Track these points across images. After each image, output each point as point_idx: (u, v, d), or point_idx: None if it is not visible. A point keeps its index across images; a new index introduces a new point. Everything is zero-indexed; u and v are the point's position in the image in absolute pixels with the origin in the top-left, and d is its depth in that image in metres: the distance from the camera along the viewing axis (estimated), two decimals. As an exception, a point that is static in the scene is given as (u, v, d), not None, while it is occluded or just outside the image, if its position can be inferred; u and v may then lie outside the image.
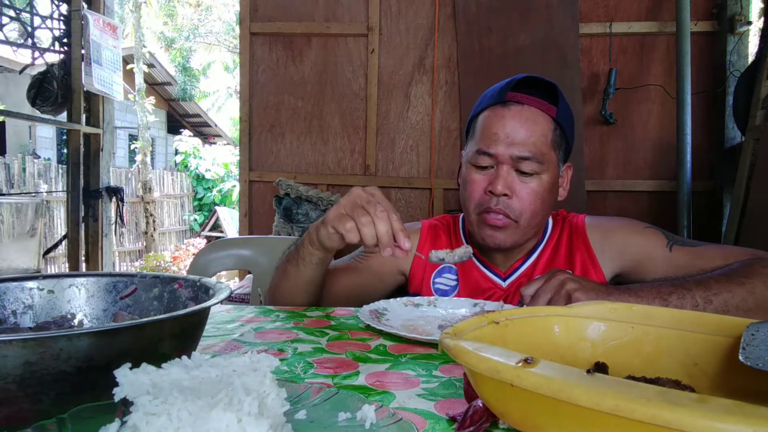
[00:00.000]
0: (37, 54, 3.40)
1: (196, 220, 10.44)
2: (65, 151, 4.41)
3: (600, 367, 0.54)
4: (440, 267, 1.16)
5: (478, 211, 1.05)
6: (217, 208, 9.43)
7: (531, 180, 1.03)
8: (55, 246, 4.16)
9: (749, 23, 2.68)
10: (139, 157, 9.34)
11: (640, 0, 2.84)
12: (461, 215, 1.21)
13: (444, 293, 1.13)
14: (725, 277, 0.88)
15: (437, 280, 1.15)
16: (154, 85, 12.75)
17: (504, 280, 1.11)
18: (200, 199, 10.88)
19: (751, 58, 2.67)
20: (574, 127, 1.11)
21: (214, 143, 13.38)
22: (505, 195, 1.02)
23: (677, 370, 0.53)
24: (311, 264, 0.97)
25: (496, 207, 1.02)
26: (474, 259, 1.14)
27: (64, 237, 3.71)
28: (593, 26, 2.84)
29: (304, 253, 0.97)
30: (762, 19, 2.60)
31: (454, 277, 1.14)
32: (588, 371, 0.36)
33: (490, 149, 1.03)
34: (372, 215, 0.82)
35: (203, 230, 9.32)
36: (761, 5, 2.66)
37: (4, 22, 3.21)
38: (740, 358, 0.45)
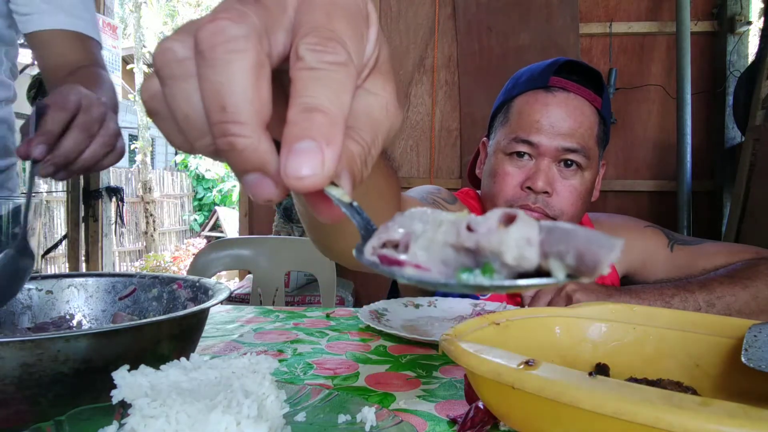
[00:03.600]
0: (36, 54, 3.39)
1: (196, 220, 10.44)
2: (65, 151, 4.39)
3: (601, 369, 0.54)
4: None
5: (509, 206, 0.94)
6: (217, 208, 9.42)
7: (573, 177, 0.94)
8: (55, 246, 4.15)
9: (749, 23, 2.68)
10: (139, 157, 9.33)
11: (640, 0, 2.84)
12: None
13: None
14: (729, 278, 0.87)
15: None
16: (154, 85, 12.72)
17: None
18: (200, 199, 10.88)
19: (751, 58, 2.66)
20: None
21: (214, 143, 13.35)
22: (545, 192, 0.93)
23: (679, 372, 0.53)
24: None
25: (535, 206, 0.93)
26: None
27: (64, 237, 3.71)
28: (593, 26, 2.84)
29: None
30: (762, 19, 2.59)
31: None
32: (590, 374, 0.35)
33: (531, 137, 0.93)
34: (206, 64, 0.24)
35: (203, 230, 9.32)
36: (761, 5, 2.65)
37: (3, 21, 3.20)
38: (743, 359, 0.45)
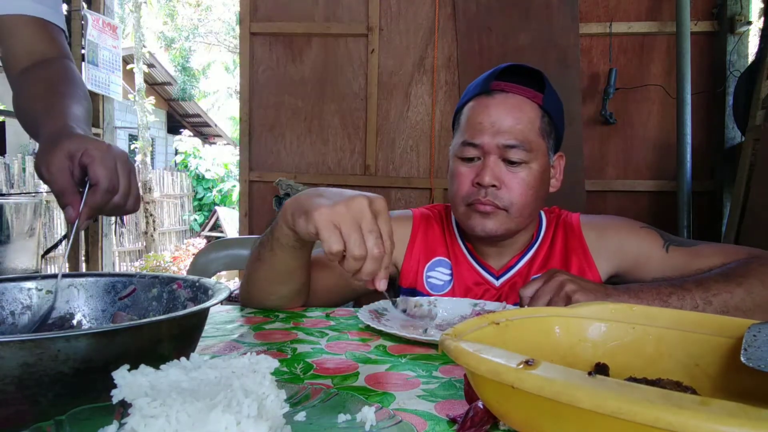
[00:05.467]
0: (36, 54, 3.39)
1: (196, 220, 10.44)
2: (65, 151, 4.39)
3: (601, 368, 0.54)
4: (434, 260, 1.12)
5: (465, 203, 1.03)
6: (217, 208, 9.43)
7: (520, 169, 1.00)
8: (55, 246, 4.15)
9: (749, 23, 2.68)
10: (139, 157, 9.34)
11: (640, 0, 2.84)
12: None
13: (437, 288, 1.10)
14: (723, 277, 0.88)
15: (430, 273, 1.11)
16: (154, 85, 12.74)
17: (497, 278, 1.09)
18: (200, 199, 10.88)
19: (751, 58, 2.66)
20: (563, 115, 1.09)
21: (214, 143, 13.38)
22: (494, 186, 1.00)
23: (678, 371, 0.53)
24: (288, 247, 0.84)
25: (485, 199, 1.00)
26: (468, 254, 1.11)
27: (64, 237, 3.71)
28: (593, 26, 2.84)
29: (279, 235, 0.83)
30: (762, 19, 2.59)
31: (448, 271, 1.11)
32: (589, 373, 0.35)
33: (475, 140, 1.01)
34: (368, 251, 0.66)
35: (203, 230, 9.33)
36: (761, 5, 2.65)
37: (3, 21, 3.20)
38: (742, 359, 0.45)
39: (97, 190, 0.71)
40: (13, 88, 0.95)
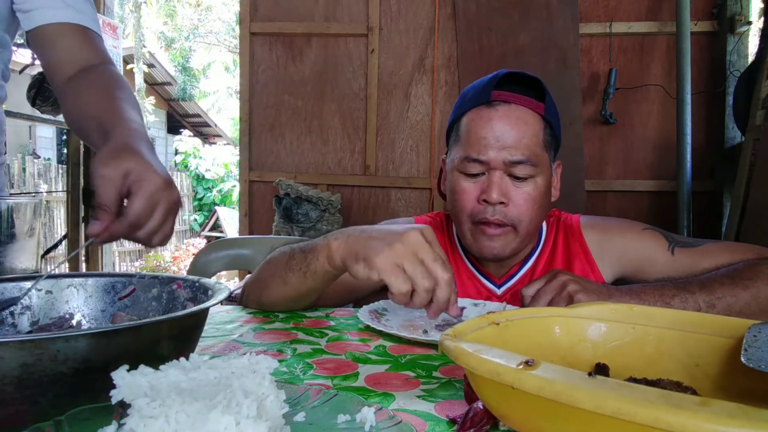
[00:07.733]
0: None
1: (196, 220, 10.44)
2: (65, 151, 4.40)
3: (601, 368, 0.54)
4: None
5: (472, 221, 0.99)
6: (217, 208, 9.42)
7: (526, 184, 0.97)
8: (55, 246, 4.15)
9: (749, 23, 2.68)
10: (138, 157, 9.30)
11: (640, 0, 2.84)
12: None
13: None
14: (729, 279, 0.86)
15: None
16: (154, 85, 12.74)
17: (498, 287, 1.07)
18: (200, 199, 10.88)
19: (751, 58, 2.66)
20: (560, 122, 1.05)
21: (214, 143, 13.37)
22: (501, 203, 0.96)
23: (679, 371, 0.53)
24: (323, 280, 0.84)
25: (493, 217, 0.96)
26: (468, 264, 1.09)
27: (64, 237, 3.70)
28: (593, 26, 2.84)
29: (317, 268, 0.82)
30: (762, 19, 2.59)
31: None
32: (589, 374, 0.35)
33: (480, 156, 0.96)
34: (439, 279, 0.68)
35: (203, 230, 9.32)
36: (761, 5, 2.65)
37: (3, 21, 3.20)
38: (742, 359, 0.45)
39: (124, 219, 0.68)
40: (61, 97, 0.95)
